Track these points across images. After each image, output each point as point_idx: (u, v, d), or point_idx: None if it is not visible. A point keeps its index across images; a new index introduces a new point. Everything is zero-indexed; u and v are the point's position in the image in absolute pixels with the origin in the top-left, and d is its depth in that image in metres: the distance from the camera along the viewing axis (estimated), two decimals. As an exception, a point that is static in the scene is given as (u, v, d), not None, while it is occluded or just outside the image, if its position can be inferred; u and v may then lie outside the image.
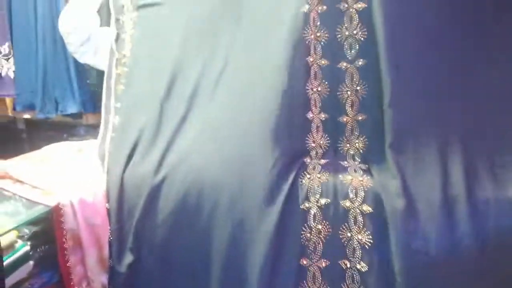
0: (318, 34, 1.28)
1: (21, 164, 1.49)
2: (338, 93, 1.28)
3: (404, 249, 1.08)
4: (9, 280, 1.16)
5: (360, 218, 1.14)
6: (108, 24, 1.66)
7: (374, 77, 1.24)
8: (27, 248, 1.23)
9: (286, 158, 1.23)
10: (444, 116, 1.20)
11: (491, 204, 1.08)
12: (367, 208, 1.14)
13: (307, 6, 1.28)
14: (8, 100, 2.60)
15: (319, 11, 1.28)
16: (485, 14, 1.21)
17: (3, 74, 2.45)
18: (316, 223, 1.16)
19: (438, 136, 1.19)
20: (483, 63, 1.21)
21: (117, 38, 1.58)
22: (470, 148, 1.16)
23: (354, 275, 1.13)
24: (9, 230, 1.20)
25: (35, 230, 1.26)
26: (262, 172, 1.21)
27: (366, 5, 1.24)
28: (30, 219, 1.24)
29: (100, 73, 1.85)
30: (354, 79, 1.26)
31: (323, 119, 1.29)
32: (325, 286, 1.15)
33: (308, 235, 1.16)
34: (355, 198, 1.15)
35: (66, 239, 1.29)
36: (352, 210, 1.15)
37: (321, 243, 1.15)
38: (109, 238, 1.35)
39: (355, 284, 1.13)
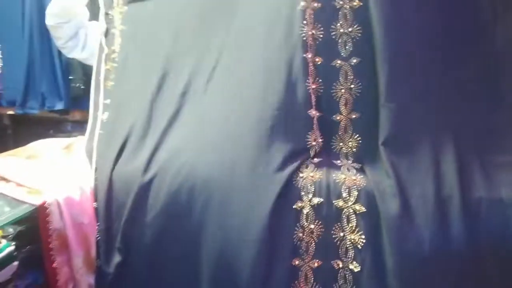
0: (313, 31, 1.26)
1: (5, 161, 1.44)
2: (332, 91, 1.26)
3: (397, 249, 1.07)
4: (-7, 281, 1.13)
5: (353, 218, 1.13)
6: (97, 19, 1.62)
7: (368, 76, 1.23)
8: (12, 248, 1.19)
9: (282, 156, 1.21)
10: (437, 116, 1.20)
11: (483, 204, 1.08)
12: (360, 207, 1.13)
13: (303, 3, 1.26)
14: (-7, 95, 2.55)
15: (314, 8, 1.26)
16: (482, 13, 1.20)
17: (-11, 70, 2.41)
18: (309, 222, 1.14)
19: (432, 135, 1.19)
20: (477, 63, 1.20)
21: (107, 33, 1.55)
22: (463, 148, 1.16)
23: (347, 275, 1.12)
24: (-7, 230, 1.17)
25: (20, 230, 1.23)
26: (255, 170, 1.19)
27: (361, 3, 1.23)
28: (15, 218, 1.20)
29: (88, 69, 1.82)
30: (348, 77, 1.25)
31: (317, 117, 1.27)
32: (317, 287, 1.14)
33: (301, 235, 1.15)
34: (348, 198, 1.14)
35: (52, 239, 1.25)
36: (345, 209, 1.14)
37: (313, 243, 1.14)
38: (97, 237, 1.32)
39: (347, 284, 1.12)
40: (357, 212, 1.13)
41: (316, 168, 1.21)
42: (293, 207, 1.16)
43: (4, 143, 2.60)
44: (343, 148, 1.26)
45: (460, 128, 1.18)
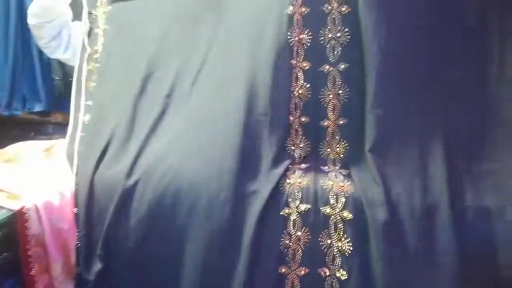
0: (301, 36, 1.25)
1: (-18, 164, 1.40)
2: (320, 97, 1.25)
3: (385, 257, 1.06)
4: (-33, 289, 1.09)
5: (340, 225, 1.12)
6: (80, 18, 1.58)
7: (356, 81, 1.23)
8: (-12, 254, 1.15)
9: (268, 161, 1.20)
10: (425, 123, 1.20)
11: (470, 212, 1.09)
12: (347, 214, 1.12)
13: (291, 8, 1.25)
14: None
15: (302, 12, 1.25)
16: (469, 16, 1.21)
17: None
18: (296, 229, 1.13)
19: (419, 142, 1.18)
20: (465, 69, 1.21)
21: (90, 33, 1.52)
22: (451, 155, 1.16)
23: (334, 283, 1.11)
24: (-32, 236, 1.12)
25: (-3, 236, 1.19)
26: (241, 175, 1.18)
27: (350, 9, 1.22)
28: (-8, 223, 1.17)
29: (70, 69, 1.78)
30: (336, 83, 1.24)
31: (304, 122, 1.26)
32: (303, 295, 1.12)
33: (287, 242, 1.13)
34: (335, 204, 1.13)
35: (30, 245, 1.21)
36: (333, 216, 1.13)
37: (300, 251, 1.13)
38: (77, 244, 1.29)
39: (334, 292, 1.11)
40: (345, 219, 1.12)
41: (303, 174, 1.20)
42: (280, 213, 1.14)
43: (-18, 145, 2.53)
44: (331, 154, 1.25)
45: (447, 136, 1.18)
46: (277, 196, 1.16)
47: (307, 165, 1.23)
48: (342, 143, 1.24)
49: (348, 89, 1.23)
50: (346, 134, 1.24)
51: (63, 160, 1.41)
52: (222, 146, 1.22)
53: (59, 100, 2.29)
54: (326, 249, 1.12)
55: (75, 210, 1.30)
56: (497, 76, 1.19)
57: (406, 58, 1.22)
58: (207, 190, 1.18)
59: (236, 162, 1.20)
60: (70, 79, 1.55)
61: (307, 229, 1.13)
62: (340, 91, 1.24)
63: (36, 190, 1.26)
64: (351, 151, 1.23)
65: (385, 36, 1.20)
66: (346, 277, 1.10)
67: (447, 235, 1.06)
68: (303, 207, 1.14)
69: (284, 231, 1.13)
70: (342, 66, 1.24)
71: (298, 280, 1.13)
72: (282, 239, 1.13)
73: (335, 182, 1.17)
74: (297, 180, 1.18)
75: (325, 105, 1.25)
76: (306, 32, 1.25)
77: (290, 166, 1.23)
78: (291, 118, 1.26)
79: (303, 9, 1.26)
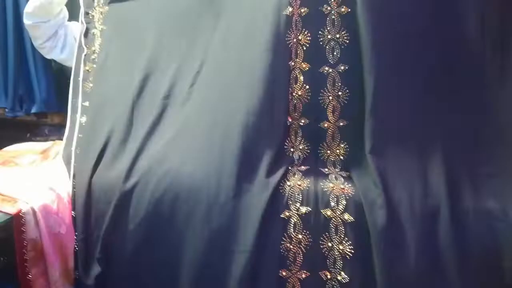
0: (300, 37, 1.24)
1: (-22, 167, 1.38)
2: (319, 98, 1.25)
3: (386, 260, 1.05)
4: (-37, 295, 1.08)
5: (341, 228, 1.11)
6: (76, 18, 1.57)
7: (356, 83, 1.22)
8: (-16, 259, 1.14)
9: (267, 164, 1.19)
10: (425, 125, 1.19)
11: (471, 215, 1.08)
12: (348, 217, 1.11)
13: (290, 9, 1.24)
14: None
15: (301, 13, 1.24)
16: (468, 19, 1.20)
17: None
18: (297, 232, 1.12)
19: (419, 144, 1.18)
20: (464, 72, 1.20)
21: (86, 33, 1.50)
22: (451, 158, 1.16)
23: (335, 286, 1.10)
24: (-36, 240, 1.11)
25: (-6, 240, 1.17)
26: (241, 179, 1.17)
27: (349, 10, 1.21)
28: (-12, 227, 1.15)
29: (67, 70, 1.76)
30: (336, 84, 1.23)
31: (303, 124, 1.25)
32: (304, 298, 1.11)
33: (288, 245, 1.12)
34: (336, 207, 1.12)
35: (27, 249, 1.19)
36: (334, 219, 1.12)
37: (301, 254, 1.12)
38: (75, 248, 1.27)
39: (335, 295, 1.10)
40: (346, 221, 1.11)
41: (303, 176, 1.19)
42: (281, 216, 1.13)
43: (-22, 148, 2.50)
44: (331, 156, 1.24)
45: (447, 138, 1.18)
46: (277, 199, 1.14)
47: (307, 167, 1.22)
48: (342, 145, 1.24)
49: (347, 91, 1.23)
50: (346, 136, 1.23)
51: (60, 162, 1.39)
52: (220, 148, 1.21)
53: (56, 101, 2.27)
54: (327, 252, 1.11)
55: (73, 213, 1.28)
56: (497, 79, 1.19)
57: (405, 59, 1.21)
58: (206, 192, 1.17)
59: (235, 165, 1.18)
60: (68, 80, 1.53)
61: (308, 232, 1.12)
62: (340, 93, 1.23)
63: (33, 193, 1.25)
64: (351, 153, 1.23)
65: (384, 37, 1.19)
66: (347, 280, 1.09)
67: (448, 238, 1.05)
68: (303, 209, 1.13)
69: (285, 234, 1.12)
70: (342, 68, 1.23)
71: (299, 283, 1.12)
72: (282, 242, 1.12)
73: (336, 184, 1.16)
74: (297, 182, 1.17)
75: (325, 107, 1.24)
76: (305, 33, 1.24)
77: (290, 168, 1.22)
78: (290, 119, 1.25)
79: (302, 10, 1.25)
